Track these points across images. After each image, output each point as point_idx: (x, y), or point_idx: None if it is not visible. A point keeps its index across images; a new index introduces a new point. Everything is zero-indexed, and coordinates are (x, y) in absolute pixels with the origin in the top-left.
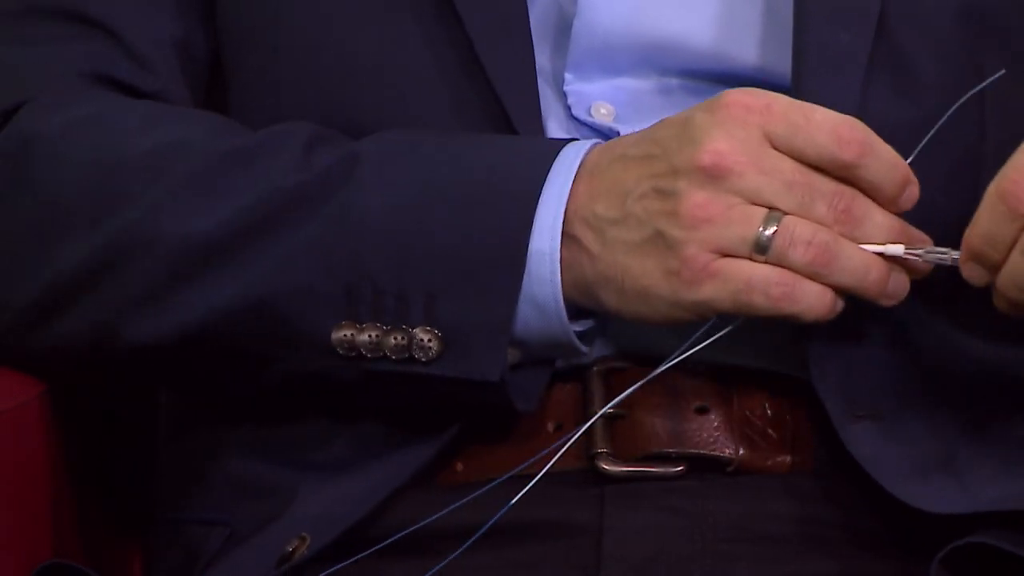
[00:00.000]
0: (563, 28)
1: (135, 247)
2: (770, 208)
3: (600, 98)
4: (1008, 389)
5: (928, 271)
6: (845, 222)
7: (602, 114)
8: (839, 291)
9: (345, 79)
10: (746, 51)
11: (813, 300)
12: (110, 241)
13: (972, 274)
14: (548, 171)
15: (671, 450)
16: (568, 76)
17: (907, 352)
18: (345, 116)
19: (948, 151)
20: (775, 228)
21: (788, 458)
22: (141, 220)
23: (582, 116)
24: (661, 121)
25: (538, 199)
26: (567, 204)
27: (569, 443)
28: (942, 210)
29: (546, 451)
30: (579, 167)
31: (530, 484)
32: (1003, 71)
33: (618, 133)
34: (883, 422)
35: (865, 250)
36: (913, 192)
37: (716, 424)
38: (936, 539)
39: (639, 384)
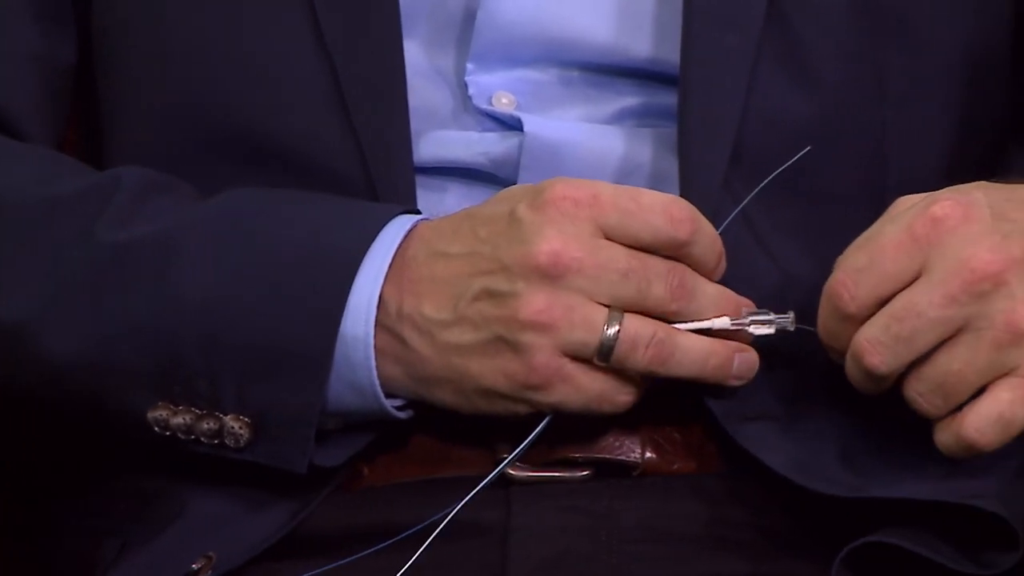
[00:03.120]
0: (467, 19)
1: None
2: (610, 305)
3: (501, 88)
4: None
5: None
6: (681, 298)
7: (503, 103)
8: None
9: (231, 78)
10: (641, 44)
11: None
12: None
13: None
14: (362, 258)
15: (577, 455)
16: (469, 67)
17: (797, 355)
18: (232, 116)
19: (852, 149)
20: (617, 329)
21: (694, 462)
22: None
23: (483, 106)
24: (473, 214)
25: (348, 291)
26: (388, 300)
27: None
28: (852, 207)
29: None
30: (396, 254)
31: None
32: (809, 148)
33: (520, 120)
34: (778, 422)
35: (703, 340)
36: (723, 264)
37: (622, 429)
38: (843, 539)
39: (482, 484)
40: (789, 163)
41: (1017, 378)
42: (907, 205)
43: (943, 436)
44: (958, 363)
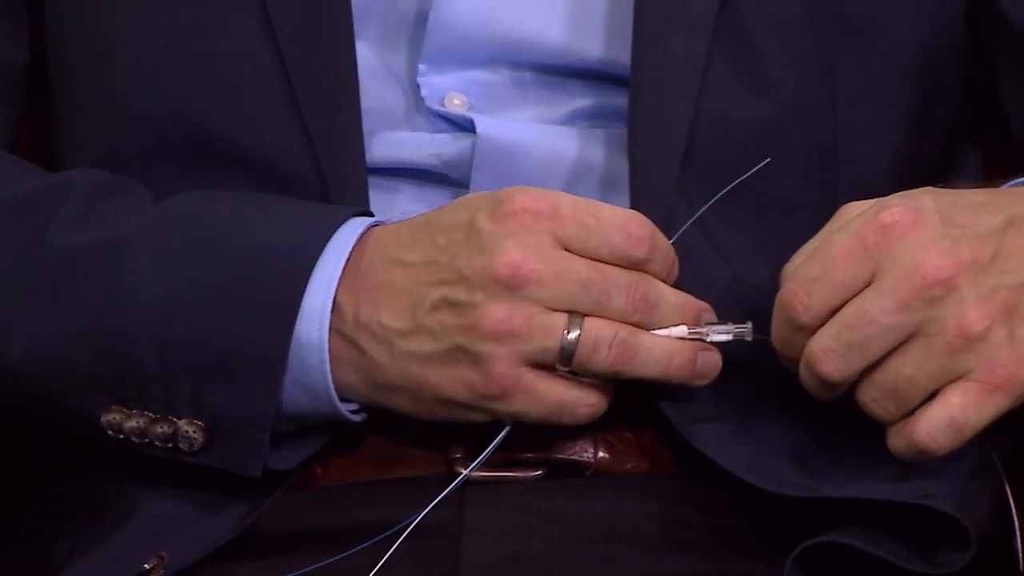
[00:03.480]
0: (419, 20)
1: None
2: (569, 311)
3: (454, 89)
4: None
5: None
6: (643, 310)
7: (456, 104)
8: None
9: (183, 78)
10: (594, 46)
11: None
12: None
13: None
14: (316, 261)
15: (530, 455)
16: (422, 67)
17: (750, 361)
18: (185, 117)
19: (804, 150)
20: (578, 333)
21: (647, 462)
22: None
23: (435, 107)
24: (432, 221)
25: (303, 294)
26: (344, 307)
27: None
28: (799, 209)
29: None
30: (350, 258)
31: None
32: (768, 160)
33: (472, 121)
34: (730, 423)
35: (666, 339)
36: (676, 272)
37: (575, 429)
38: (796, 539)
39: (442, 496)
40: (749, 174)
41: (968, 382)
42: (855, 212)
43: (896, 441)
44: (910, 368)
